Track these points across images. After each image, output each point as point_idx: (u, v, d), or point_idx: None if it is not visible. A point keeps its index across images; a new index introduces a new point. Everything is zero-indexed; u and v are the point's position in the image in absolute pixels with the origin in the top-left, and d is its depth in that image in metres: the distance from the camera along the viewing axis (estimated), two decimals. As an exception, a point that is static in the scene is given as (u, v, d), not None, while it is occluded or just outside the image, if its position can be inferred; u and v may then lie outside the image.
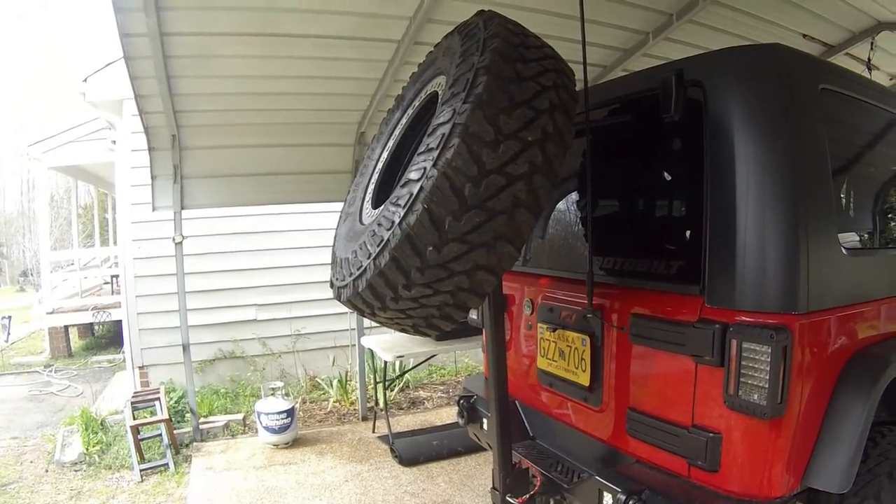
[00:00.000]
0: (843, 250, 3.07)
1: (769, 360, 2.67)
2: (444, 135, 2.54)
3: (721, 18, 6.13)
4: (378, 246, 2.71)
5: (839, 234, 3.06)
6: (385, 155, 3.74)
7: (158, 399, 7.36)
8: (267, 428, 7.08)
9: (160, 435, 7.03)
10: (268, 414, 7.06)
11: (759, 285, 2.81)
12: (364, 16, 5.33)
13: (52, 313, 12.37)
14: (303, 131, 7.17)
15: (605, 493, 3.17)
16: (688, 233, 3.22)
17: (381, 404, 7.33)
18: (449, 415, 8.02)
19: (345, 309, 3.65)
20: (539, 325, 4.07)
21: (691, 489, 3.00)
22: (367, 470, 6.52)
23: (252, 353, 9.23)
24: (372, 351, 7.23)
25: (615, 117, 3.66)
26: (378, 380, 7.57)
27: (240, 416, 7.93)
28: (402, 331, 3.18)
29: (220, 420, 7.81)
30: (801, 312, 2.77)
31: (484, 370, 4.94)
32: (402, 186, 2.66)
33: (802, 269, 2.78)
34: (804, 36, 6.71)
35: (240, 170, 7.32)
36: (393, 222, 2.64)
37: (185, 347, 7.30)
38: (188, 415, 7.55)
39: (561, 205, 4.09)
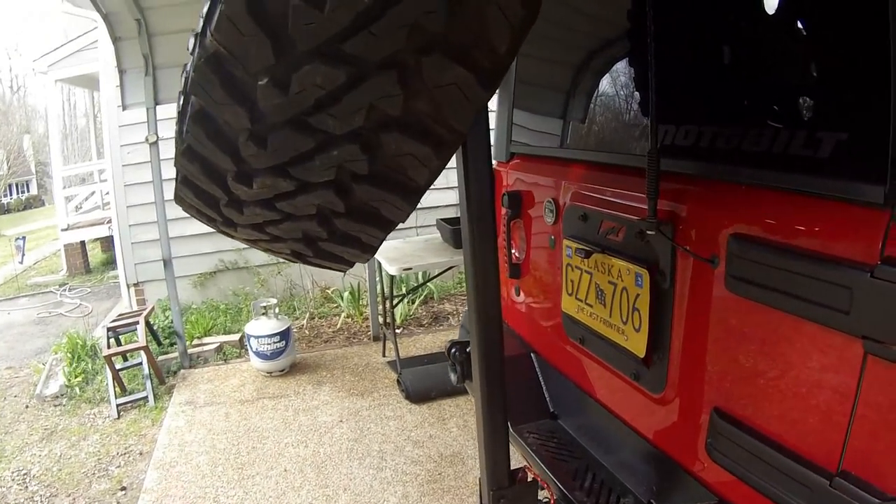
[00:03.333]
0: None
1: None
2: None
3: None
4: (183, 90, 1.21)
5: None
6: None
7: (139, 323, 6.02)
8: (258, 353, 5.73)
9: (142, 364, 5.73)
10: (258, 337, 5.69)
11: None
12: None
13: (66, 230, 11.14)
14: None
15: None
16: (857, 85, 1.47)
17: (392, 324, 5.85)
18: (472, 337, 6.51)
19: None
20: (565, 242, 2.46)
21: None
22: (368, 407, 5.15)
23: (257, 264, 7.82)
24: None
25: None
26: (386, 296, 6.08)
27: (236, 338, 6.60)
28: (290, 260, 1.67)
29: (213, 342, 6.51)
30: None
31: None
32: None
33: None
34: None
35: (220, 54, 5.77)
36: (196, 34, 1.14)
37: (167, 263, 5.97)
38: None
39: (606, 42, 2.46)
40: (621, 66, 2.34)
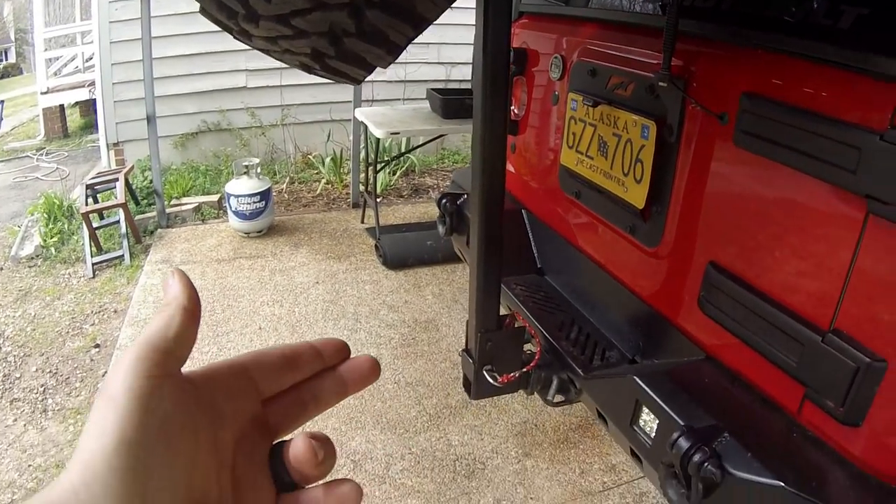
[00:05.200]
0: None
1: None
2: None
3: None
4: None
5: None
6: None
7: (118, 180, 5.85)
8: (237, 213, 5.61)
9: (119, 222, 5.59)
10: (237, 196, 5.55)
11: None
12: None
13: (46, 93, 10.54)
14: None
15: (646, 410, 1.65)
16: None
17: (374, 190, 5.74)
18: (453, 210, 6.41)
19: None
20: (570, 96, 2.38)
21: (802, 444, 1.48)
22: (345, 270, 5.11)
23: (240, 126, 7.58)
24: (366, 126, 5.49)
25: None
26: (370, 162, 5.94)
27: (216, 198, 6.46)
28: (306, 68, 1.56)
29: (192, 202, 6.36)
30: None
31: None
32: None
33: None
34: None
35: None
36: None
37: (150, 119, 5.73)
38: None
39: None
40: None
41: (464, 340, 3.91)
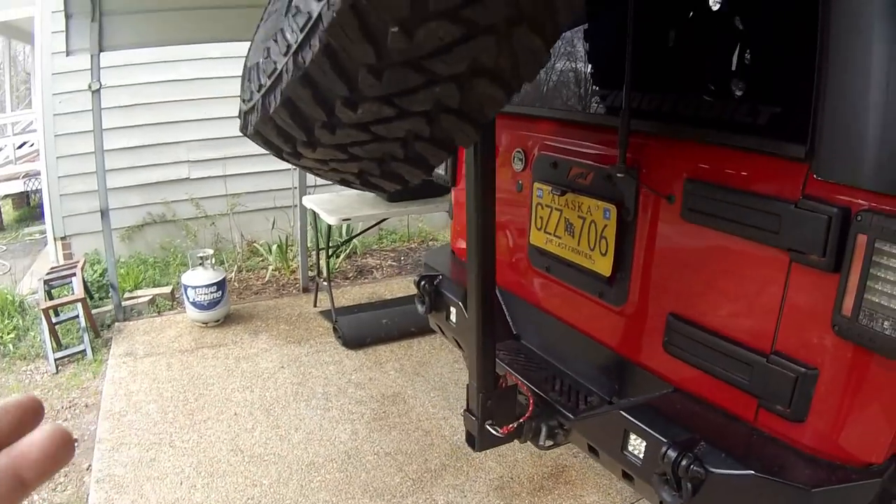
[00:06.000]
0: None
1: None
2: None
3: None
4: (301, 30, 1.42)
5: None
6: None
7: (75, 275, 6.03)
8: (195, 304, 5.86)
9: (78, 316, 5.75)
10: (195, 288, 5.80)
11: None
12: None
13: None
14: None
15: (633, 436, 2.07)
16: (787, 60, 2.03)
17: (328, 273, 6.09)
18: (400, 287, 6.79)
19: (287, 165, 2.33)
20: (536, 185, 2.86)
21: (763, 442, 1.95)
22: (307, 353, 5.40)
23: (185, 217, 7.83)
24: (315, 213, 5.85)
25: None
26: (321, 246, 6.30)
27: (168, 290, 6.68)
28: (344, 183, 1.91)
29: (145, 295, 6.56)
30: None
31: (450, 241, 3.75)
32: None
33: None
34: None
35: (167, 2, 5.72)
36: None
37: (104, 213, 5.93)
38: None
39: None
40: (595, 42, 2.78)
41: (430, 410, 4.27)
